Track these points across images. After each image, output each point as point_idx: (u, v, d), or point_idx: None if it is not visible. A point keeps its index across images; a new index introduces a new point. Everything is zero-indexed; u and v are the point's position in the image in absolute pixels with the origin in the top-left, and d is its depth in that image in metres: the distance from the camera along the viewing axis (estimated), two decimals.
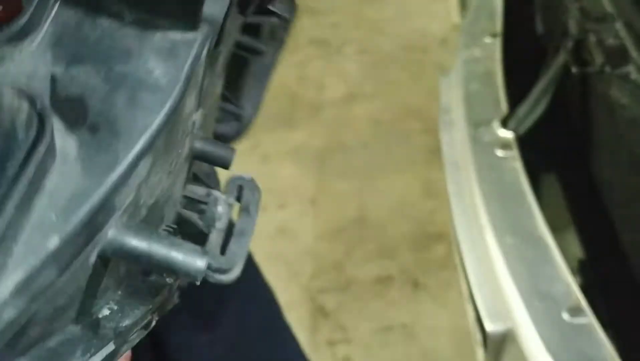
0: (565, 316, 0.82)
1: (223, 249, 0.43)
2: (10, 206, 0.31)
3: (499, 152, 1.05)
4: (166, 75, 0.37)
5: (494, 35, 1.29)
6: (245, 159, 1.65)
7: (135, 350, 0.74)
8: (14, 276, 0.31)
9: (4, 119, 0.33)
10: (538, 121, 1.11)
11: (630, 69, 0.95)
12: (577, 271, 1.05)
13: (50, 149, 0.33)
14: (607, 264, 1.06)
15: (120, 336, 0.40)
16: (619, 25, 1.00)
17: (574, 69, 1.06)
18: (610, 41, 1.00)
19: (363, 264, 1.91)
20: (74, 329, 0.38)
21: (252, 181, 0.46)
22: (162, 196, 0.41)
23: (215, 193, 0.46)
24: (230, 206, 0.45)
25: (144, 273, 0.43)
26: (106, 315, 0.40)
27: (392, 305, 1.81)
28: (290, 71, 2.50)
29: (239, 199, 0.46)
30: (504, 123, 1.09)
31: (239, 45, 0.58)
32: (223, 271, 0.41)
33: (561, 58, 1.07)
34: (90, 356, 0.38)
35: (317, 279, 1.88)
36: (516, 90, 1.17)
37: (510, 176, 1.01)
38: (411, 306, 1.80)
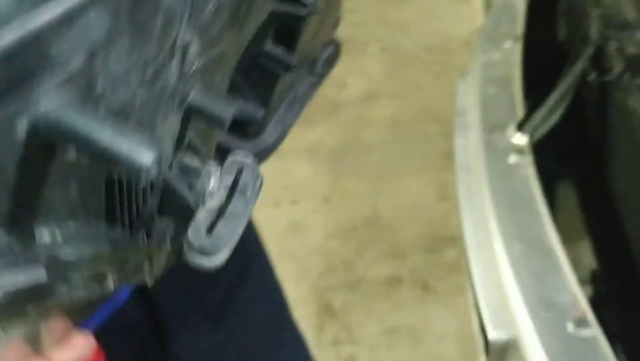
0: (570, 327, 0.80)
1: (210, 231, 0.38)
2: None
3: (512, 158, 1.04)
4: None
5: (514, 39, 1.27)
6: None
7: (141, 350, 0.74)
8: None
9: None
10: (554, 128, 1.09)
11: None
12: (589, 282, 1.04)
13: None
14: (620, 276, 1.04)
15: (55, 266, 0.34)
16: None
17: (592, 76, 1.04)
18: (631, 49, 0.99)
19: (373, 265, 1.90)
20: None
21: (253, 164, 0.42)
22: (132, 107, 0.35)
23: (211, 167, 0.41)
24: (226, 187, 0.41)
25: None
26: (46, 242, 0.34)
27: (400, 307, 1.80)
28: None
29: (236, 180, 0.41)
30: (520, 127, 1.08)
31: (268, 56, 0.55)
32: (206, 253, 0.37)
33: (580, 64, 1.06)
34: (15, 272, 0.32)
35: (326, 278, 1.88)
36: (535, 95, 1.15)
37: (522, 183, 0.99)
38: (419, 309, 1.79)
